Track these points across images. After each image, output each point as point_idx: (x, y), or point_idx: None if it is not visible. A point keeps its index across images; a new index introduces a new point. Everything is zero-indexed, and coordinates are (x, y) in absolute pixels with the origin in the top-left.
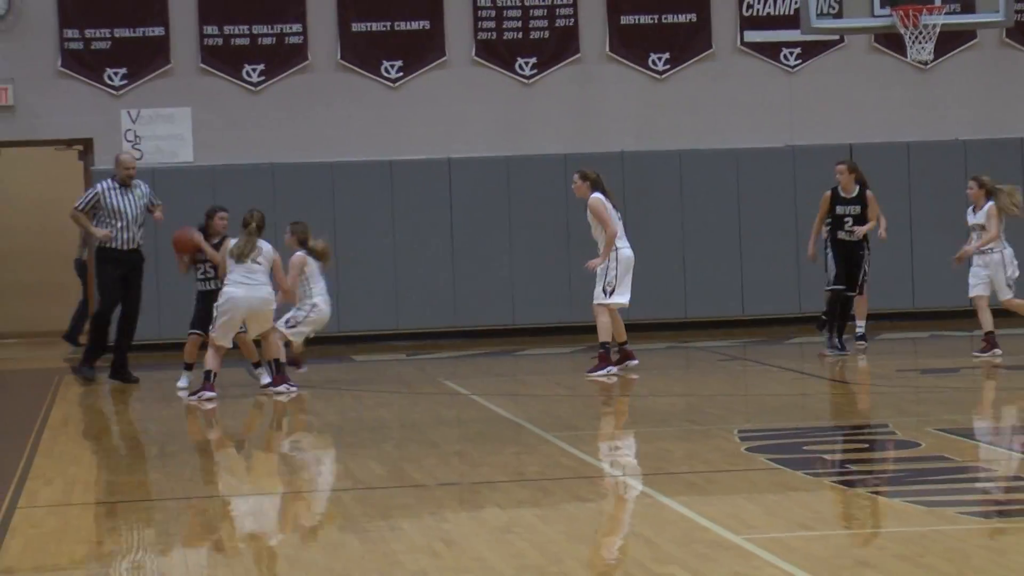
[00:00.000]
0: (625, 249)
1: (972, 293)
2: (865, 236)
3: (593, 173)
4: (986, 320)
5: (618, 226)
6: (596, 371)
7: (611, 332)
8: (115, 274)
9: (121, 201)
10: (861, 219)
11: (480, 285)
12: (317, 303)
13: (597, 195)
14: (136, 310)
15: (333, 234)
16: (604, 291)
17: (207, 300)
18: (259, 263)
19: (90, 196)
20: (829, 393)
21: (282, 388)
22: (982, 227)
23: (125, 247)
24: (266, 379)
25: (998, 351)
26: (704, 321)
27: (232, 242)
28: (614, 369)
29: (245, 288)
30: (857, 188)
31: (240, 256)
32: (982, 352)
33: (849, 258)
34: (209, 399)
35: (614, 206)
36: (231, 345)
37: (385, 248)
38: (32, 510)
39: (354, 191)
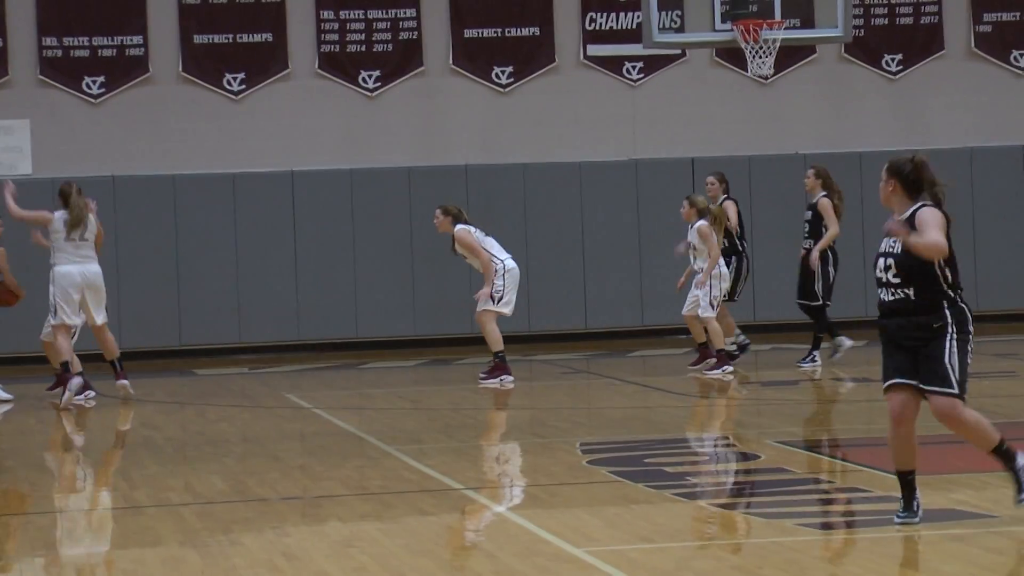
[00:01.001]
0: (509, 261)
1: (687, 312)
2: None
3: (454, 207)
4: (713, 336)
5: (490, 244)
6: (491, 379)
7: (501, 341)
8: None
9: None
10: (814, 228)
11: (324, 298)
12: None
13: (461, 227)
14: None
15: (175, 247)
16: (492, 297)
17: None
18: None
19: None
20: (671, 406)
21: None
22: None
23: None
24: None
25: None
26: (547, 334)
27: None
28: (509, 377)
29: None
30: (820, 196)
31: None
32: (712, 369)
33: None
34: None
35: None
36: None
37: (228, 261)
38: None
39: (196, 204)
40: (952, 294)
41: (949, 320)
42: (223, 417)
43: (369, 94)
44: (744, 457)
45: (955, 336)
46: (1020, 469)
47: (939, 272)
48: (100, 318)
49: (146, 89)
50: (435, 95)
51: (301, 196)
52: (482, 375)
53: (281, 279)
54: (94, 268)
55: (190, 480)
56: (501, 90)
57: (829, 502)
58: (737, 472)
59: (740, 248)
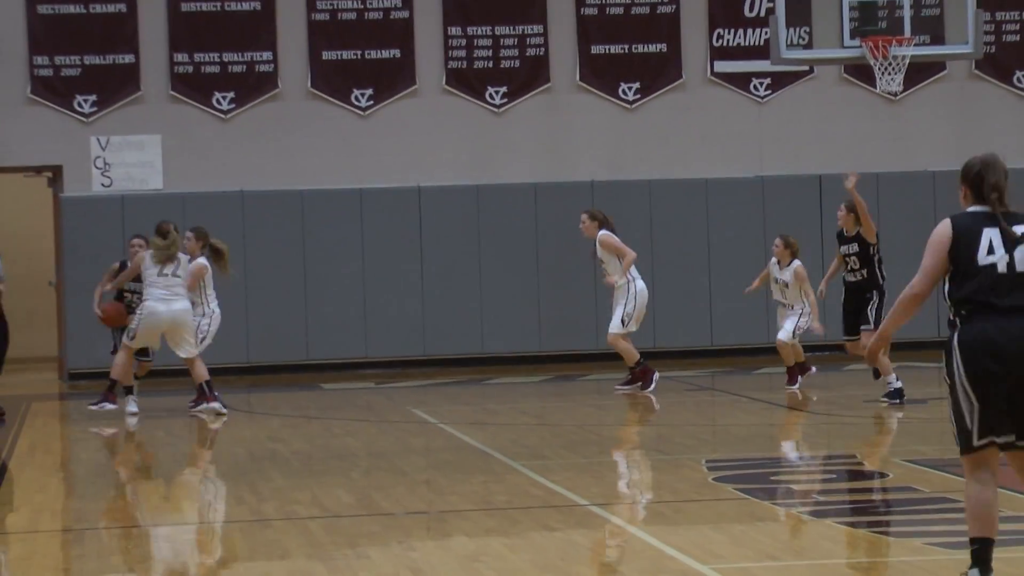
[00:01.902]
0: (639, 282)
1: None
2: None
3: (600, 212)
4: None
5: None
6: (642, 385)
7: (635, 352)
8: None
9: None
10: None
11: (449, 313)
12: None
13: (605, 232)
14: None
15: (303, 262)
16: (623, 321)
17: None
18: (178, 275)
19: None
20: (797, 423)
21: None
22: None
23: None
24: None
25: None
26: (673, 351)
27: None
28: (651, 385)
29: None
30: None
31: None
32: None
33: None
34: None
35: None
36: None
37: (355, 276)
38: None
39: (324, 219)
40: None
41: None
42: (349, 431)
43: (496, 110)
44: (872, 475)
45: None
46: None
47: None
48: (183, 353)
49: (275, 105)
50: (561, 111)
51: (427, 211)
52: (619, 386)
53: (407, 294)
54: (180, 305)
55: (317, 493)
56: (627, 106)
57: (958, 521)
58: (865, 490)
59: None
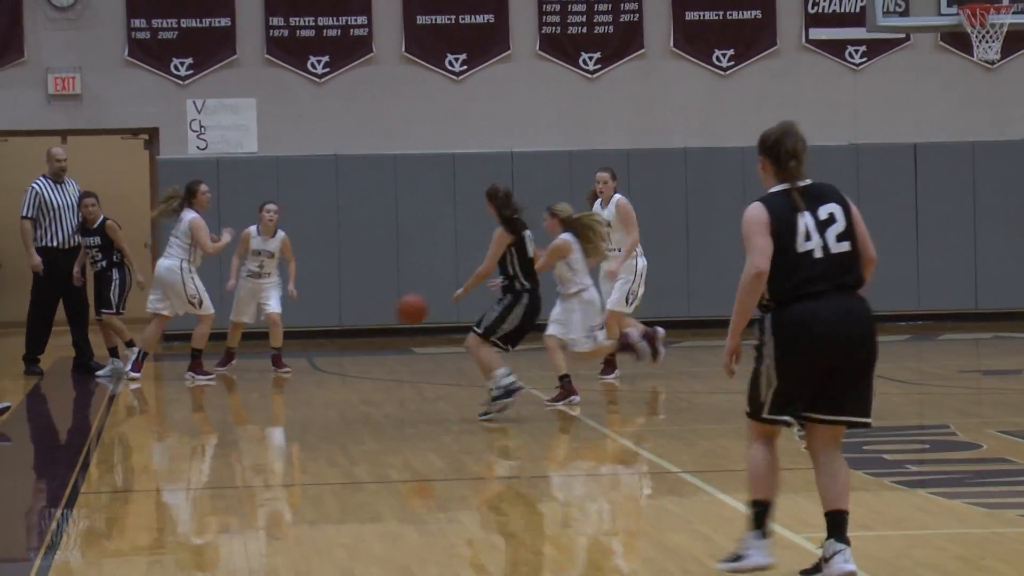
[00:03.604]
0: (642, 258)
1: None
2: None
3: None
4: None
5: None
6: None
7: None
8: (55, 273)
9: (54, 197)
10: None
11: (542, 278)
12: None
13: (623, 198)
14: (81, 303)
15: (395, 226)
16: (627, 299)
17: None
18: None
19: (30, 197)
20: (890, 393)
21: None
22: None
23: (63, 246)
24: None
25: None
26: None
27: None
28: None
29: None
30: None
31: None
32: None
33: None
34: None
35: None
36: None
37: (447, 240)
38: (94, 496)
39: (417, 183)
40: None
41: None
42: (440, 396)
43: (589, 76)
44: (966, 446)
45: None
46: None
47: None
48: (167, 310)
49: (369, 69)
50: (655, 77)
51: (520, 176)
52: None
53: None
54: (163, 263)
55: (408, 457)
56: (721, 73)
57: None
58: (958, 461)
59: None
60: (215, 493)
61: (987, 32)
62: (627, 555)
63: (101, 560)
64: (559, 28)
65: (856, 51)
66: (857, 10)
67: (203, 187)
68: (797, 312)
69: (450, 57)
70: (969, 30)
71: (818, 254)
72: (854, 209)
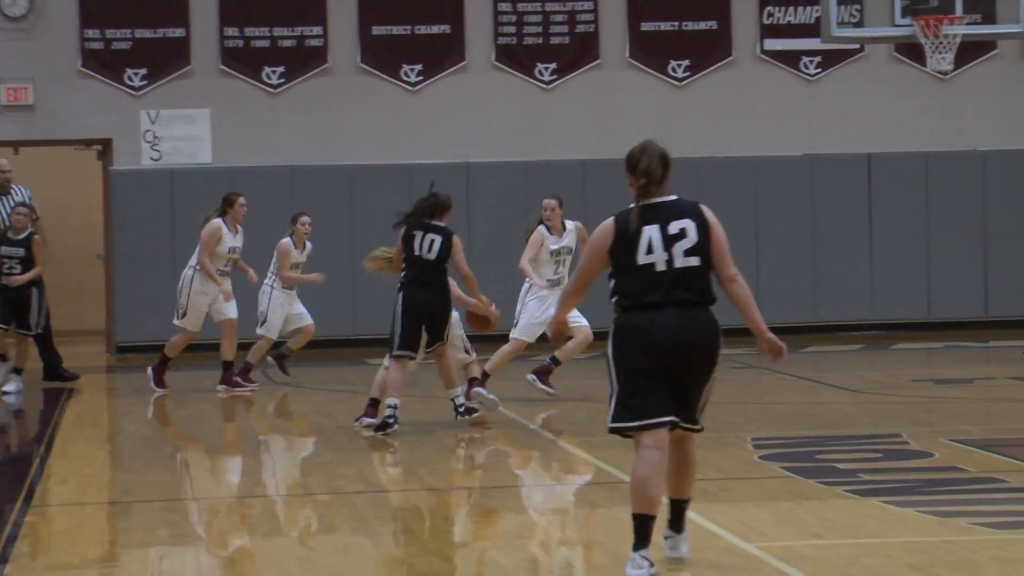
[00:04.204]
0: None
1: None
2: None
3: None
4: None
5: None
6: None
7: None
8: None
9: None
10: None
11: (498, 289)
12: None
13: (577, 222)
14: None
15: (351, 237)
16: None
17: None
18: None
19: None
20: (843, 402)
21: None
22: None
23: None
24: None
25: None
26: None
27: None
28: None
29: None
30: None
31: None
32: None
33: None
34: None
35: None
36: None
37: None
38: (45, 509)
39: (372, 194)
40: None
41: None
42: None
43: (545, 86)
44: (918, 455)
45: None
46: None
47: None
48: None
49: (324, 80)
50: (611, 88)
51: (476, 187)
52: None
53: (451, 270)
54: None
55: (362, 468)
56: (677, 83)
57: (1004, 501)
58: (910, 470)
59: None
60: (168, 506)
61: (940, 43)
62: (580, 565)
63: (51, 574)
64: (515, 39)
65: (811, 62)
66: (812, 21)
67: (241, 199)
68: (633, 321)
69: (406, 68)
70: (923, 41)
71: (660, 267)
72: (715, 228)
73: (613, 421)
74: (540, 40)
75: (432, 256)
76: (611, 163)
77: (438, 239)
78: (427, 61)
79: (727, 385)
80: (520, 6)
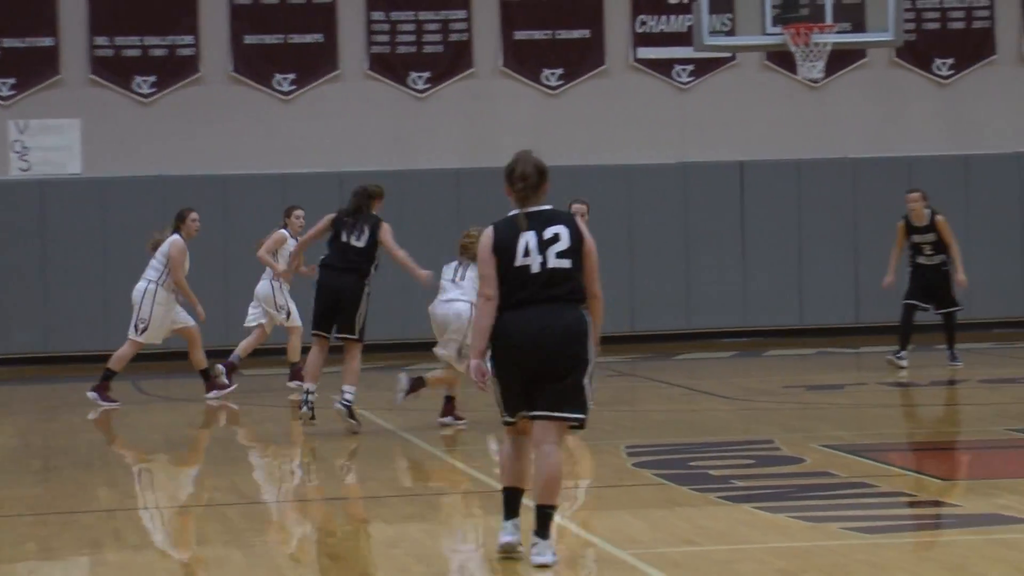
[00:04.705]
0: None
1: None
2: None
3: None
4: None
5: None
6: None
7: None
8: None
9: None
10: (939, 247)
11: (373, 299)
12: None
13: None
14: None
15: (224, 247)
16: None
17: None
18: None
19: None
20: (716, 409)
21: None
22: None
23: None
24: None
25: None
26: None
27: None
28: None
29: None
30: (928, 216)
31: None
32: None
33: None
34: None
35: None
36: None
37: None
38: None
39: (245, 204)
40: None
41: None
42: (268, 417)
43: (418, 95)
44: (789, 460)
45: None
46: None
47: None
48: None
49: (196, 89)
50: (484, 97)
51: (349, 197)
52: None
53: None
54: (137, 285)
55: (234, 479)
56: (551, 92)
57: (874, 506)
58: (782, 475)
59: None
60: (36, 519)
61: (811, 51)
62: (454, 575)
63: None
64: (388, 48)
65: (684, 70)
66: (684, 29)
67: (193, 215)
68: (507, 319)
69: (278, 77)
70: (793, 49)
71: (535, 269)
72: (587, 240)
73: (508, 415)
74: (414, 49)
75: (360, 244)
76: (485, 172)
77: (367, 227)
78: (300, 70)
79: (601, 393)
80: (393, 15)
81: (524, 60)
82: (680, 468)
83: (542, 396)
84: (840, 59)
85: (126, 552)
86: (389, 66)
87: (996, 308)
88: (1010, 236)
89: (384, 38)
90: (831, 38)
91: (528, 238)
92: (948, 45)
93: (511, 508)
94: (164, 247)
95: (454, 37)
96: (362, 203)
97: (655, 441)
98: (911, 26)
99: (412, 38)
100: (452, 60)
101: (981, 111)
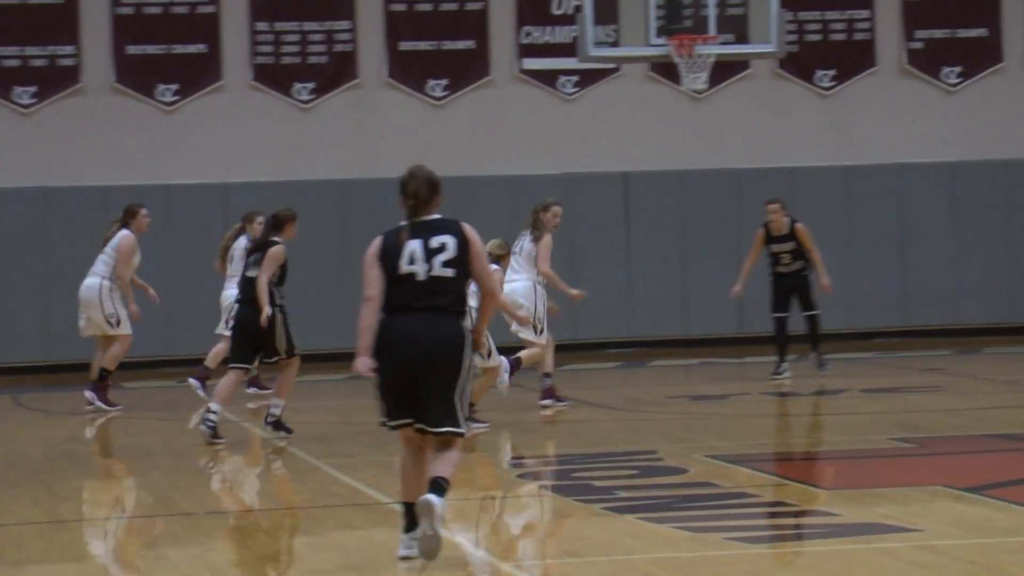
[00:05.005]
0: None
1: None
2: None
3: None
4: None
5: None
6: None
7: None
8: None
9: None
10: (798, 254)
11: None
12: None
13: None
14: None
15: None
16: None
17: None
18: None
19: None
20: (600, 420)
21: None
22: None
23: None
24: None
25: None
26: None
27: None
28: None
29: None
30: (788, 225)
31: None
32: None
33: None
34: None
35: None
36: None
37: (157, 273)
38: None
39: None
40: None
41: None
42: (150, 430)
43: (303, 106)
44: (673, 471)
45: None
46: None
47: None
48: (83, 331)
49: (78, 100)
50: (370, 108)
51: (234, 209)
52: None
53: (213, 291)
54: (85, 282)
55: (116, 494)
56: (436, 103)
57: (756, 516)
58: (665, 486)
59: None
60: None
61: (695, 62)
62: None
63: None
64: (273, 58)
65: (568, 81)
66: (569, 40)
67: (144, 211)
68: (387, 324)
69: (161, 87)
70: (677, 60)
71: (420, 277)
72: (475, 244)
73: (387, 418)
74: (298, 59)
75: (252, 273)
76: (371, 183)
77: (259, 255)
78: (183, 81)
79: (483, 404)
80: (277, 25)
81: (409, 71)
82: (564, 479)
83: (424, 411)
84: (724, 70)
85: (3, 568)
86: (273, 77)
87: (877, 318)
88: (891, 247)
89: (268, 48)
90: (714, 49)
91: (414, 246)
92: (830, 56)
93: (411, 522)
94: (114, 241)
95: (339, 48)
96: (267, 232)
97: (539, 452)
98: (793, 37)
99: (297, 48)
100: (337, 71)
101: (863, 122)
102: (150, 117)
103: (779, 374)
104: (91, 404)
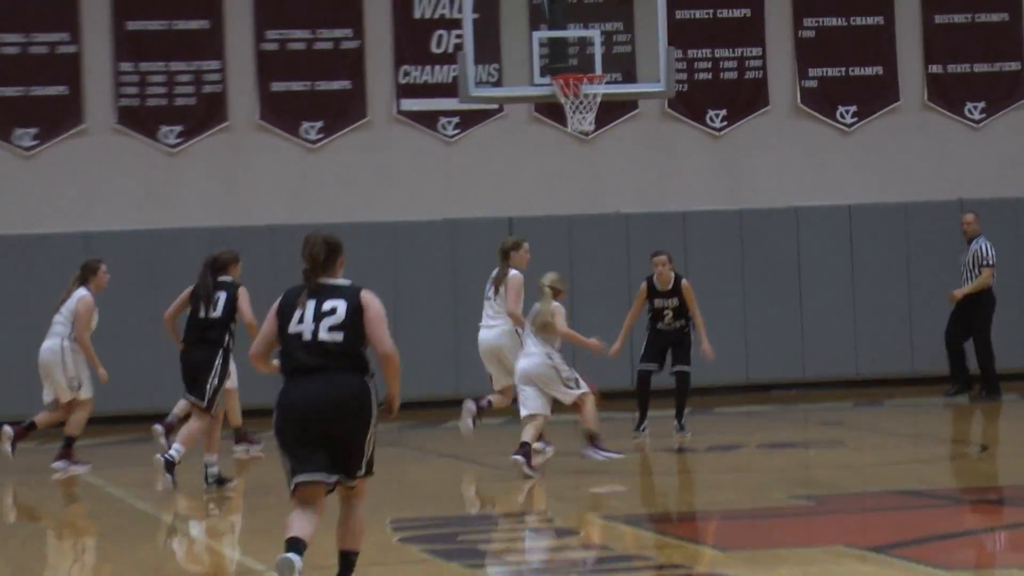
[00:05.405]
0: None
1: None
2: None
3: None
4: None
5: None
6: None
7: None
8: None
9: None
10: (680, 312)
11: (121, 365)
12: None
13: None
14: None
15: None
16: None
17: None
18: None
19: None
20: (487, 480)
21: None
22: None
23: None
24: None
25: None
26: None
27: None
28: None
29: None
30: (673, 280)
31: None
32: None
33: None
34: None
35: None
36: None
37: (21, 327)
38: None
39: None
40: None
41: None
42: (6, 495)
43: (170, 150)
44: (563, 533)
45: None
46: None
47: None
48: (46, 396)
49: None
50: (240, 151)
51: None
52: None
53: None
54: (45, 344)
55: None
56: (310, 146)
57: None
58: (555, 549)
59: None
60: None
61: (581, 103)
62: None
63: None
64: (138, 100)
65: (449, 122)
66: (450, 80)
67: (103, 267)
68: (286, 387)
69: (19, 131)
70: (563, 101)
71: (307, 338)
72: (369, 310)
73: (291, 480)
74: (165, 101)
75: (217, 313)
76: (241, 230)
77: (223, 295)
78: (42, 124)
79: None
80: (143, 66)
81: (282, 112)
82: (448, 543)
83: (336, 461)
84: (611, 110)
85: None
86: (138, 119)
87: (774, 369)
88: (787, 293)
89: (133, 90)
90: (601, 89)
91: (307, 307)
92: (721, 96)
93: (293, 547)
94: (71, 303)
95: (208, 89)
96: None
97: (422, 514)
98: (683, 76)
99: (163, 90)
100: (206, 113)
101: (756, 163)
102: (7, 162)
103: (640, 431)
104: (62, 471)
